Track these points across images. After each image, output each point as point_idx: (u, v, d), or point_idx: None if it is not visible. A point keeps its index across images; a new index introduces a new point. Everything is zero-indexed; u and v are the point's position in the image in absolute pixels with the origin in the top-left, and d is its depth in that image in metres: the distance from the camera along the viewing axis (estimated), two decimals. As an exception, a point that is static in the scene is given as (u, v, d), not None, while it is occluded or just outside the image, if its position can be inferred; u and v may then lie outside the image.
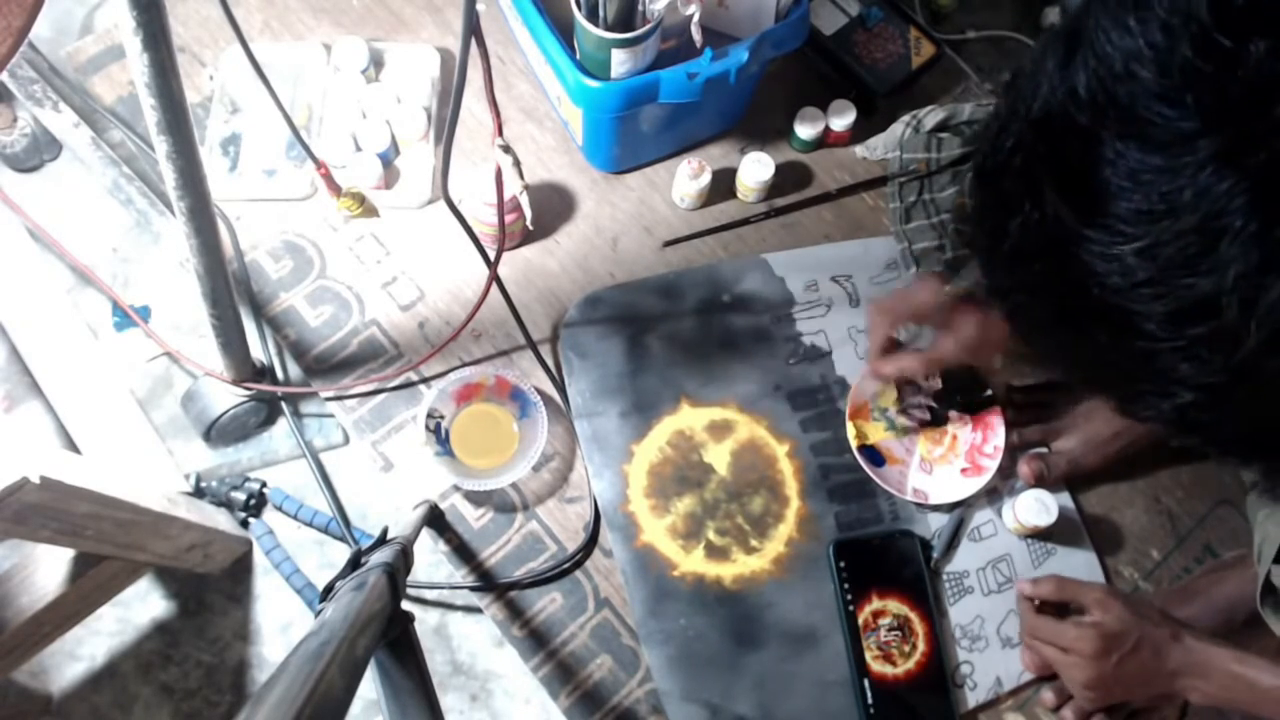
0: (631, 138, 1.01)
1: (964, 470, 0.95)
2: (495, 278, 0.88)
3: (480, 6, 0.58)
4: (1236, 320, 0.33)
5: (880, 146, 1.08)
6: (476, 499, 0.95)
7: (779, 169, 1.03)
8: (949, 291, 0.83)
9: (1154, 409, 0.39)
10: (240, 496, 0.96)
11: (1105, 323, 0.37)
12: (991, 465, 0.93)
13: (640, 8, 0.86)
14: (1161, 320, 0.35)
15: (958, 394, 0.97)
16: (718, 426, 0.96)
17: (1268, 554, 0.76)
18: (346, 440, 0.99)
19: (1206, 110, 0.32)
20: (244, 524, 0.98)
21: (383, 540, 0.79)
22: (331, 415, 0.99)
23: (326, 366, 0.99)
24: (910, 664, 0.89)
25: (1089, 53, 0.35)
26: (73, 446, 0.91)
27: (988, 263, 0.44)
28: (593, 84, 0.90)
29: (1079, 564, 0.94)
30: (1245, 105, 0.31)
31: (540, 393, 0.94)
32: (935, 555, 0.93)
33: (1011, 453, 0.95)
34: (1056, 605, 0.89)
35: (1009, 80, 0.41)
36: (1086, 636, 0.82)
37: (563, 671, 0.90)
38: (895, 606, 0.91)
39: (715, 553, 0.92)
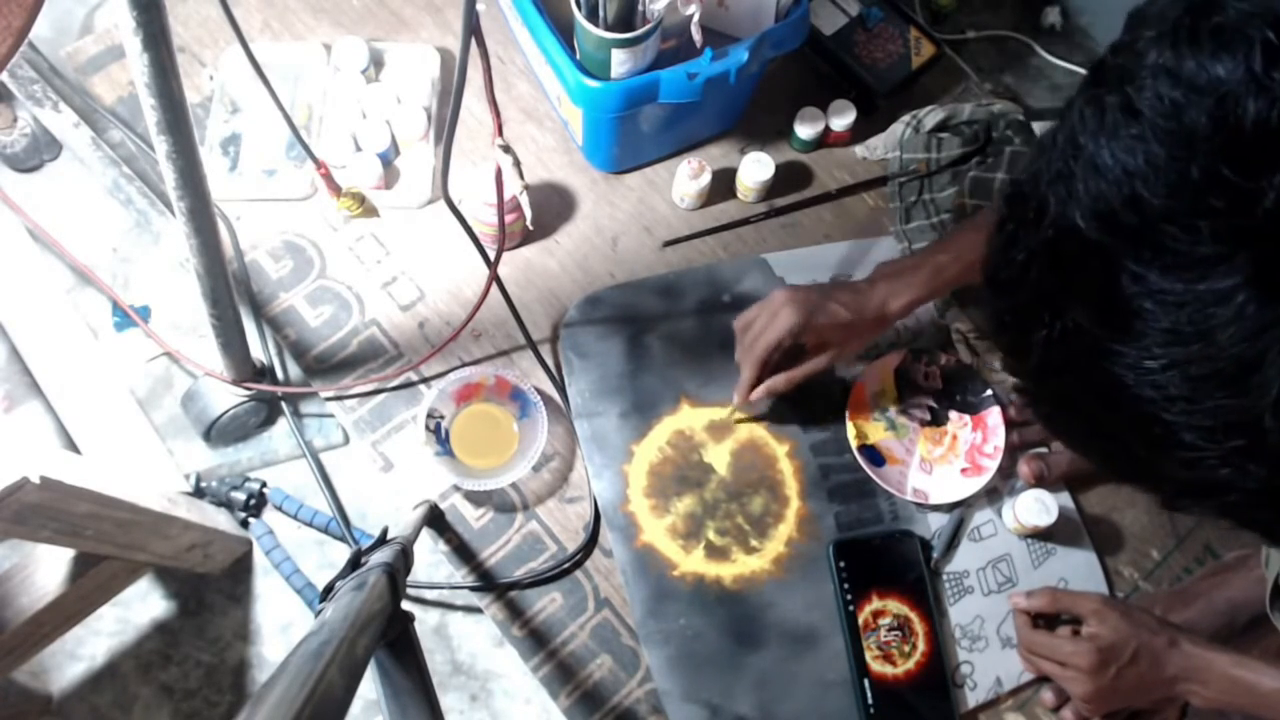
0: (631, 138, 1.01)
1: (964, 470, 0.95)
2: (495, 278, 0.88)
3: (480, 6, 0.58)
4: (1277, 434, 0.32)
5: (880, 146, 1.08)
6: (476, 499, 0.95)
7: (779, 169, 1.03)
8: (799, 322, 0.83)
9: (1198, 508, 0.38)
10: (240, 496, 0.96)
11: (1140, 434, 0.35)
12: (991, 465, 0.93)
13: (640, 8, 0.86)
14: (1200, 432, 0.34)
15: (958, 394, 0.97)
16: (718, 426, 0.96)
17: (1277, 559, 0.76)
18: (346, 440, 0.99)
19: (1227, 237, 0.31)
20: (244, 524, 0.98)
21: (383, 540, 0.79)
22: (331, 415, 0.99)
23: (326, 366, 0.99)
24: (910, 664, 0.89)
25: (1090, 171, 0.34)
26: (73, 446, 0.91)
27: (1016, 372, 0.43)
28: (593, 84, 0.90)
29: (1079, 564, 0.94)
30: (1271, 231, 0.30)
31: (540, 393, 0.94)
32: (935, 555, 0.93)
33: (1011, 453, 0.95)
34: (1052, 615, 0.89)
35: (1009, 193, 0.39)
36: (1083, 651, 0.82)
37: (563, 671, 0.90)
38: (895, 606, 0.91)
39: (715, 553, 0.92)
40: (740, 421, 0.97)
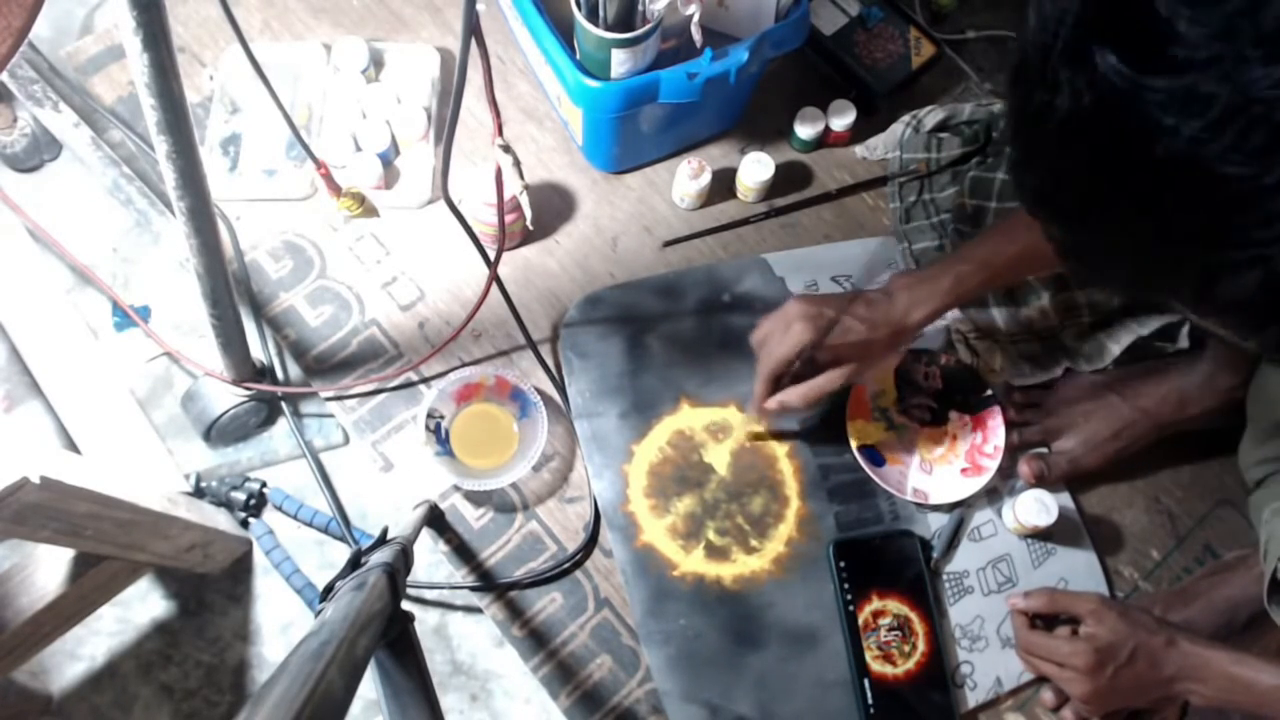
0: (631, 138, 1.01)
1: (964, 470, 0.95)
2: (495, 278, 0.88)
3: (480, 6, 0.58)
4: None
5: (880, 146, 1.08)
6: (476, 499, 0.95)
7: (779, 169, 1.03)
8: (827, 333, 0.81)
9: (1237, 286, 0.36)
10: (240, 496, 0.96)
11: (1181, 181, 0.34)
12: (991, 465, 0.93)
13: (640, 8, 0.86)
14: (1249, 155, 0.32)
15: (958, 394, 0.97)
16: (717, 427, 0.96)
17: (1274, 552, 0.76)
18: (346, 440, 0.99)
19: None
20: (244, 524, 0.98)
21: (383, 540, 0.79)
22: (331, 415, 0.99)
23: (326, 366, 0.99)
24: (910, 664, 0.89)
25: None
26: (73, 446, 0.91)
27: (1029, 163, 0.42)
28: (593, 84, 0.90)
29: (1079, 564, 0.94)
30: None
31: (540, 393, 0.94)
32: (935, 555, 0.93)
33: (1011, 453, 0.95)
34: (1050, 616, 0.89)
35: None
36: (1081, 652, 0.82)
37: (563, 671, 0.90)
38: (895, 606, 0.91)
39: (715, 553, 0.92)
40: (757, 437, 0.95)
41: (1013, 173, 0.44)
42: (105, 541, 0.77)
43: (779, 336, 0.83)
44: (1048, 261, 0.92)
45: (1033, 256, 0.81)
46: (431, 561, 0.96)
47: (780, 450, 0.96)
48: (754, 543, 0.93)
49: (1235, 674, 0.78)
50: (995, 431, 0.95)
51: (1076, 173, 0.39)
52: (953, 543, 0.94)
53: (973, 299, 0.86)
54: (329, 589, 0.69)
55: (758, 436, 0.96)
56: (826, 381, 0.84)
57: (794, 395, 0.85)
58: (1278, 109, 0.32)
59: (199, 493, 0.96)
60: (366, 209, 1.02)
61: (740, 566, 0.92)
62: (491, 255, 0.86)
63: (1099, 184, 0.39)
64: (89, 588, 0.84)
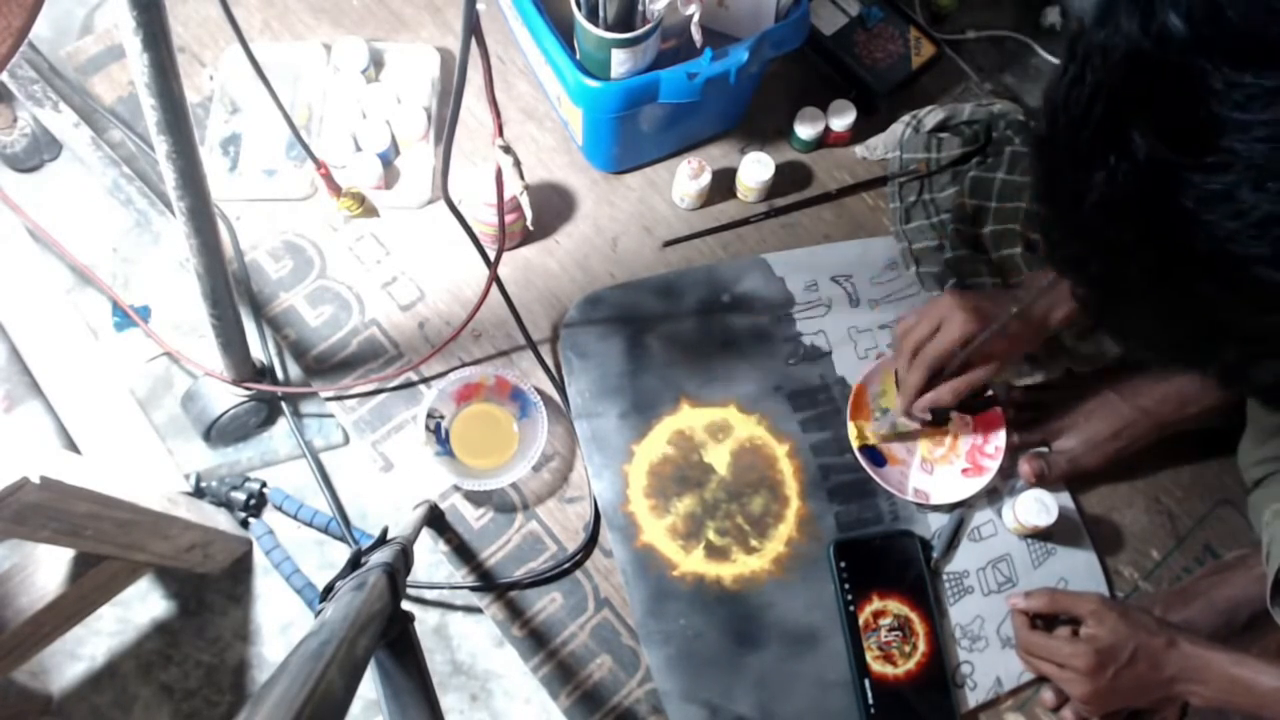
0: (631, 138, 1.01)
1: (964, 470, 0.95)
2: (495, 278, 0.88)
3: (480, 6, 0.58)
4: None
5: (880, 146, 1.08)
6: (476, 499, 0.95)
7: (779, 169, 1.03)
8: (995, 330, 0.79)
9: (1267, 373, 0.36)
10: (240, 496, 0.96)
11: (1213, 275, 0.33)
12: (992, 465, 0.93)
13: (640, 8, 0.86)
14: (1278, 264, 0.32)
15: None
16: (717, 427, 0.96)
17: (1277, 554, 0.76)
18: (346, 440, 0.99)
19: None
20: (244, 524, 0.98)
21: (383, 540, 0.79)
22: (331, 415, 0.99)
23: (326, 366, 0.99)
24: (911, 664, 0.89)
25: None
26: (73, 446, 0.91)
27: (1062, 231, 0.40)
28: (593, 84, 0.90)
29: (1079, 564, 0.94)
30: None
31: (540, 393, 0.94)
32: (935, 555, 0.93)
33: (1012, 453, 0.95)
34: (1050, 616, 0.89)
35: (1075, 34, 0.38)
36: (1081, 653, 0.82)
37: (563, 671, 0.90)
38: (896, 606, 0.91)
39: (715, 553, 0.92)
40: (886, 439, 0.95)
41: (1041, 231, 0.43)
42: (105, 541, 0.77)
43: (929, 327, 0.82)
44: None
45: None
46: (431, 561, 0.96)
47: (780, 450, 0.96)
48: (754, 543, 0.93)
49: (1236, 675, 0.78)
50: (996, 431, 0.95)
51: (1108, 249, 0.38)
52: (953, 543, 0.94)
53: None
54: (329, 589, 0.69)
55: (882, 436, 0.94)
56: (980, 376, 0.83)
57: (947, 391, 0.83)
58: None
59: (199, 493, 0.96)
60: (366, 209, 1.02)
61: (740, 566, 0.92)
62: (491, 255, 0.86)
63: (1131, 265, 0.37)
64: (89, 588, 0.84)
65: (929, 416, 0.89)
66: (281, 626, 0.97)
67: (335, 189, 0.97)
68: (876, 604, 0.91)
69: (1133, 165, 0.34)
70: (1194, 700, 0.82)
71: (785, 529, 0.94)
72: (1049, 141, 0.40)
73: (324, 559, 0.99)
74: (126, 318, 1.01)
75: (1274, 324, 0.33)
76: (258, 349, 0.98)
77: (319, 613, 0.65)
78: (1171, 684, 0.81)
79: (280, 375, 1.00)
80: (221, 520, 0.94)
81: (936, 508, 0.95)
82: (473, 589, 0.92)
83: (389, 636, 0.66)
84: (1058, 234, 0.41)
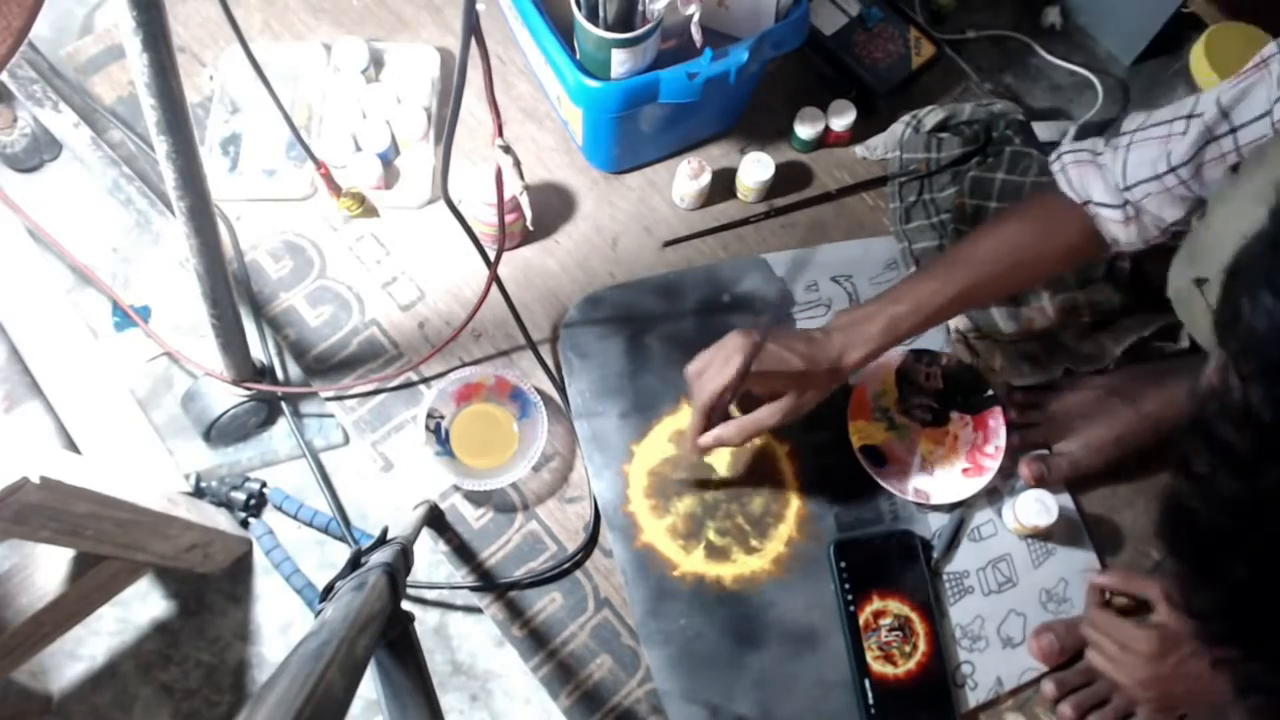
0: (631, 138, 1.01)
1: (965, 470, 0.95)
2: (495, 278, 0.88)
3: (480, 6, 0.58)
4: None
5: (880, 146, 1.08)
6: (476, 499, 0.95)
7: (779, 169, 1.03)
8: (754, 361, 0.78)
9: None
10: (240, 496, 0.96)
11: None
12: (992, 465, 0.93)
13: (640, 8, 0.86)
14: None
15: (959, 394, 0.97)
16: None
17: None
18: (346, 440, 0.99)
19: None
20: (244, 524, 0.98)
21: (383, 540, 0.79)
22: (331, 415, 0.99)
23: (326, 366, 0.99)
24: (911, 664, 0.89)
25: None
26: (73, 446, 0.91)
27: (1211, 618, 0.36)
28: (593, 84, 0.90)
29: (1079, 564, 0.94)
30: None
31: (540, 393, 0.94)
32: (935, 555, 0.93)
33: (1012, 453, 0.95)
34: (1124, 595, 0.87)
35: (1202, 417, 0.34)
36: (1145, 637, 0.81)
37: (563, 671, 0.90)
38: (896, 606, 0.91)
39: (715, 553, 0.92)
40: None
41: (1175, 582, 0.37)
42: (105, 541, 0.77)
43: (717, 368, 0.80)
44: (985, 300, 0.91)
45: (969, 297, 0.81)
46: (431, 561, 0.96)
47: (780, 450, 0.96)
48: (754, 543, 0.93)
49: None
50: (996, 432, 0.95)
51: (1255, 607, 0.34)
52: (953, 543, 0.94)
53: (907, 338, 0.83)
54: (329, 589, 0.69)
55: (704, 483, 0.94)
56: (764, 416, 0.81)
57: (730, 430, 0.82)
58: None
59: (199, 493, 0.96)
60: (366, 209, 1.02)
61: (740, 566, 0.92)
62: (491, 255, 0.86)
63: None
64: (89, 588, 0.85)
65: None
66: (281, 626, 0.97)
67: (335, 189, 0.97)
68: (876, 604, 0.91)
69: None
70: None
71: (785, 529, 0.94)
72: (1180, 534, 0.35)
73: (324, 559, 0.99)
74: (126, 318, 1.01)
75: None
76: (258, 349, 0.98)
77: (319, 613, 0.65)
78: None
79: (280, 375, 1.00)
80: (221, 520, 0.94)
81: (936, 508, 0.95)
82: (473, 589, 0.92)
83: (389, 636, 0.66)
84: (1209, 619, 0.36)
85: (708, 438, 0.82)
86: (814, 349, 0.80)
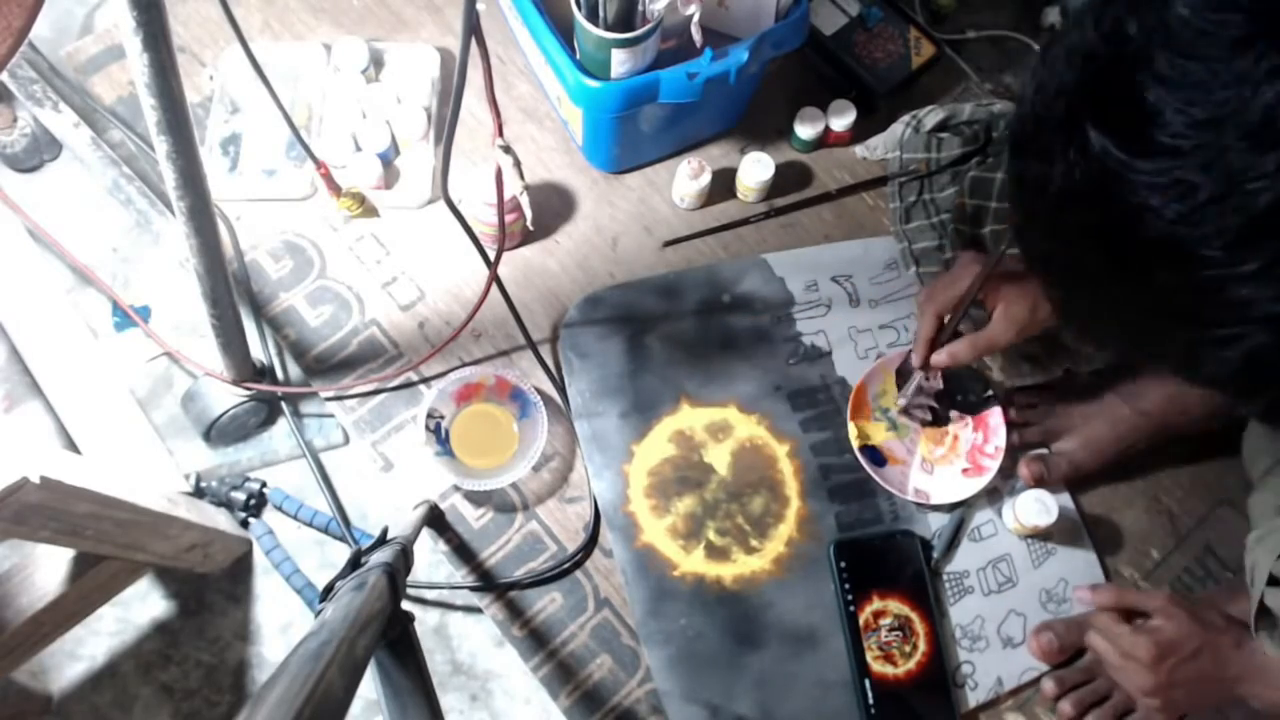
0: (631, 138, 1.01)
1: (965, 470, 0.95)
2: (495, 278, 0.88)
3: (480, 6, 0.58)
4: None
5: (880, 146, 1.08)
6: (476, 499, 0.95)
7: (779, 169, 1.03)
8: (993, 270, 0.79)
9: (1220, 361, 0.37)
10: (240, 496, 0.96)
11: (1164, 260, 0.35)
12: (992, 465, 0.93)
13: (640, 8, 0.86)
14: (1228, 242, 0.33)
15: (959, 394, 0.97)
16: (718, 427, 0.96)
17: (1260, 579, 0.76)
18: (346, 440, 0.99)
19: (1259, 12, 0.32)
20: (244, 524, 0.98)
21: (383, 540, 0.79)
22: (331, 415, 0.99)
23: (326, 366, 0.99)
24: (911, 664, 0.89)
25: None
26: (73, 446, 0.91)
27: (1028, 226, 0.43)
28: (593, 84, 0.90)
29: (1079, 564, 0.94)
30: None
31: (540, 393, 0.94)
32: (936, 555, 0.93)
33: (1012, 453, 0.95)
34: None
35: (1046, 43, 0.41)
36: (1142, 644, 0.81)
37: (563, 671, 0.90)
38: (896, 607, 0.91)
39: (715, 553, 0.92)
40: (904, 416, 0.95)
41: (1014, 232, 0.45)
42: (105, 541, 0.77)
43: (948, 279, 0.82)
44: None
45: None
46: (431, 561, 0.96)
47: (780, 450, 0.96)
48: (754, 543, 0.93)
49: None
50: (996, 432, 0.95)
51: (1070, 241, 0.40)
52: (953, 543, 0.94)
53: None
54: (329, 589, 0.69)
55: (903, 415, 0.94)
56: (998, 332, 0.82)
57: (963, 347, 0.83)
58: (1257, 200, 0.32)
59: (199, 493, 0.96)
60: (366, 209, 1.02)
61: (740, 566, 0.92)
62: (491, 255, 0.86)
63: (1091, 254, 0.39)
64: (89, 588, 0.84)
65: (940, 371, 0.88)
66: (281, 626, 0.97)
67: (335, 189, 0.97)
68: (877, 604, 0.91)
69: (1088, 158, 0.36)
70: (1254, 703, 0.80)
71: (785, 529, 0.94)
72: (1017, 139, 0.42)
73: (324, 559, 0.99)
74: (126, 318, 1.01)
75: (1222, 308, 0.35)
76: (258, 349, 0.98)
77: (319, 613, 0.65)
78: (1235, 684, 0.80)
79: (280, 375, 1.00)
80: (221, 520, 0.94)
81: (936, 508, 0.95)
82: (473, 589, 0.92)
83: (389, 636, 0.66)
84: (1026, 229, 0.44)
85: (941, 355, 0.83)
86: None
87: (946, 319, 0.86)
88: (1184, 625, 0.81)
